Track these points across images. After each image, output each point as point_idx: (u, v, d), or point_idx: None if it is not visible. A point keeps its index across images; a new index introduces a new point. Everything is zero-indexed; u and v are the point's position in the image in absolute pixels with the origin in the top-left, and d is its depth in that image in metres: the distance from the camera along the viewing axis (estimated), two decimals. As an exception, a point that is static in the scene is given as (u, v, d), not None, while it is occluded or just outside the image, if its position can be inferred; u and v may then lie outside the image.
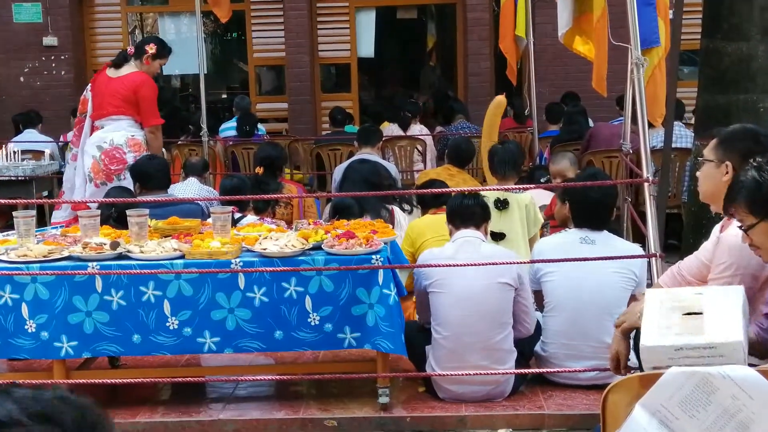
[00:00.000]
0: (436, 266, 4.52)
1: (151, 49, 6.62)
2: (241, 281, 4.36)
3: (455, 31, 12.27)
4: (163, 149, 7.45)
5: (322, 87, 12.32)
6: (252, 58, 12.16)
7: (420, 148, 9.50)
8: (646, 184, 4.57)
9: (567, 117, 9.31)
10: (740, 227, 3.04)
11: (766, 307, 3.10)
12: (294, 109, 11.88)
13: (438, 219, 5.38)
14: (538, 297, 4.73)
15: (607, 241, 4.63)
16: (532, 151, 8.99)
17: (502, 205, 5.61)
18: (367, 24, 12.04)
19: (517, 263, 4.59)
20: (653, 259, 4.41)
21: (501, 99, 7.46)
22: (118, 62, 6.71)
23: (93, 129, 6.68)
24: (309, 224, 4.89)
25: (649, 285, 4.44)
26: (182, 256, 4.40)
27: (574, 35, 6.79)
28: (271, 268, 4.30)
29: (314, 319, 4.39)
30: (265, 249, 4.38)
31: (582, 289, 4.55)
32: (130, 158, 6.42)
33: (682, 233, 6.83)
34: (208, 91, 9.18)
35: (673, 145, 7.28)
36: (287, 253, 4.35)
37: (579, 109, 9.49)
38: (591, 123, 9.35)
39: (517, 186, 5.88)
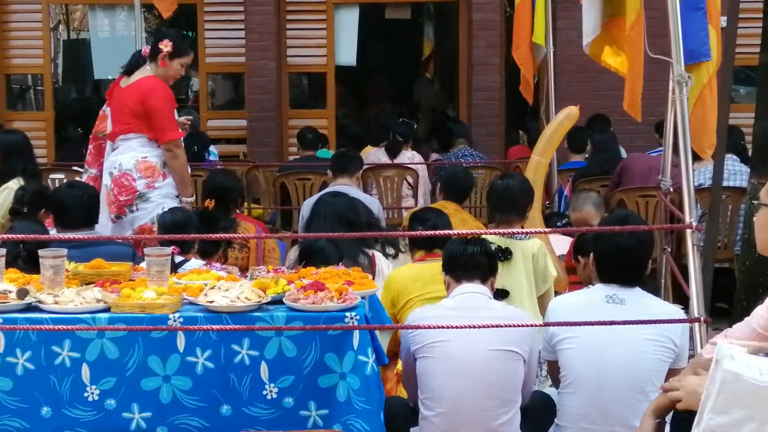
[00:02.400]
0: (427, 327, 4.51)
1: (165, 46, 6.62)
2: (181, 342, 4.33)
3: (457, 35, 12.37)
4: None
5: (291, 102, 12.37)
6: (203, 64, 12.20)
7: (411, 179, 9.54)
8: (689, 231, 4.61)
9: (594, 146, 9.38)
10: None
11: None
12: (255, 128, 11.90)
13: (427, 270, 5.38)
14: (554, 369, 4.73)
15: (639, 301, 4.63)
16: (550, 188, 9.04)
17: (503, 254, 5.62)
18: (348, 25, 12.11)
19: (532, 326, 4.59)
20: (696, 324, 4.43)
21: (574, 111, 7.47)
22: (130, 67, 6.74)
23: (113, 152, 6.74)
24: (268, 272, 4.89)
25: (692, 356, 4.45)
26: (107, 309, 4.37)
27: (602, 45, 6.86)
28: (218, 326, 4.28)
29: (271, 391, 4.36)
30: (211, 302, 4.36)
31: (607, 360, 4.54)
32: (141, 185, 6.50)
33: (734, 294, 6.87)
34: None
35: (725, 183, 7.36)
36: (239, 307, 4.32)
37: (609, 135, 9.57)
38: (624, 153, 9.42)
39: (526, 230, 5.88)
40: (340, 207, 6.05)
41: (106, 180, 6.64)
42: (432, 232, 5.25)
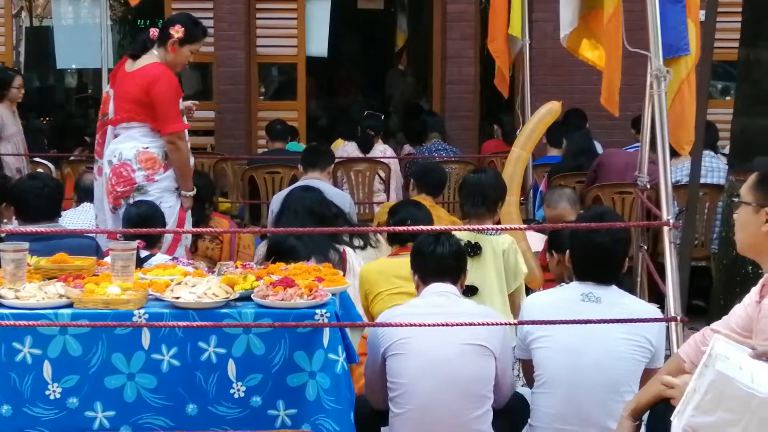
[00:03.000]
0: (398, 325, 4.52)
1: (177, 32, 6.41)
2: (146, 339, 4.31)
3: (431, 27, 12.38)
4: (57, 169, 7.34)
5: (260, 93, 12.34)
6: (171, 53, 12.14)
7: (382, 173, 9.54)
8: (665, 229, 4.62)
9: (570, 141, 9.41)
10: None
11: None
12: (223, 119, 11.87)
13: (399, 264, 5.39)
14: (528, 368, 4.74)
15: (615, 300, 4.64)
16: (525, 183, 9.05)
17: (473, 250, 5.63)
18: (319, 15, 12.09)
19: (505, 324, 4.60)
20: (673, 323, 4.45)
21: (556, 106, 7.50)
22: (136, 51, 6.58)
23: (115, 138, 6.61)
24: (236, 268, 4.87)
25: (668, 356, 4.47)
26: (70, 305, 4.35)
27: (580, 38, 6.88)
28: (184, 323, 4.26)
29: (239, 390, 4.35)
30: (178, 298, 4.34)
31: (582, 360, 4.55)
32: (140, 177, 6.36)
33: (711, 292, 6.91)
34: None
35: (703, 180, 7.41)
36: (206, 304, 4.31)
37: (584, 131, 9.60)
38: (599, 149, 9.45)
39: (499, 227, 5.89)
40: (311, 201, 6.03)
41: (106, 168, 6.50)
42: (402, 228, 5.24)
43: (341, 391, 4.34)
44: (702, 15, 5.89)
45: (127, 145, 6.42)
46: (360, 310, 5.52)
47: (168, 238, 6.26)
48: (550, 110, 7.50)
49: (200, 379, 4.34)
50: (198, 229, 6.45)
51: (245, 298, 4.42)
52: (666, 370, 3.86)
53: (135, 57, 6.54)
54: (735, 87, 6.84)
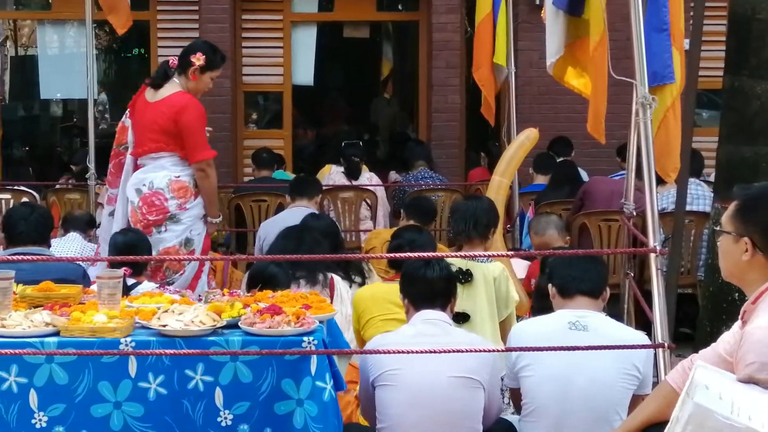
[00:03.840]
0: (386, 352, 4.51)
1: (198, 60, 6.49)
2: (132, 367, 4.31)
3: (417, 55, 12.43)
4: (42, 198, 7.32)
5: (246, 121, 12.36)
6: (157, 82, 12.15)
7: (369, 201, 9.56)
8: (652, 256, 4.64)
9: (556, 168, 9.45)
10: None
11: None
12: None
13: (390, 289, 5.39)
14: (517, 396, 4.74)
15: (602, 328, 4.63)
16: (511, 211, 9.08)
17: (464, 277, 5.63)
18: (305, 43, 12.13)
19: (492, 351, 4.60)
20: (660, 350, 4.46)
21: (534, 132, 7.54)
22: (158, 80, 6.61)
23: (136, 167, 6.64)
24: (223, 295, 4.87)
25: (655, 383, 4.48)
26: (56, 333, 4.34)
27: (565, 66, 6.92)
28: (171, 351, 4.26)
29: (226, 418, 4.35)
30: (164, 326, 4.34)
31: (570, 388, 4.54)
32: (173, 206, 6.42)
33: (697, 319, 6.92)
34: (98, 122, 9.17)
35: (689, 208, 7.43)
36: (193, 331, 4.31)
37: (569, 159, 9.65)
38: (585, 177, 9.49)
39: (489, 254, 5.91)
40: (325, 226, 6.06)
41: (132, 196, 6.52)
42: (394, 255, 5.26)
43: (329, 418, 4.34)
44: (687, 44, 5.94)
45: (158, 174, 6.46)
46: (348, 336, 5.52)
47: (192, 268, 6.39)
48: (528, 137, 7.56)
49: (187, 407, 4.33)
50: (195, 257, 6.46)
51: (232, 325, 4.43)
52: (654, 397, 3.87)
53: (156, 86, 6.58)
54: (720, 115, 6.88)
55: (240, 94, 12.07)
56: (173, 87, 6.53)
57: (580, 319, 4.61)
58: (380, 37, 15.29)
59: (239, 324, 4.41)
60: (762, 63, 6.34)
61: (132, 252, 5.69)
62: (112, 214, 6.80)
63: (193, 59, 6.48)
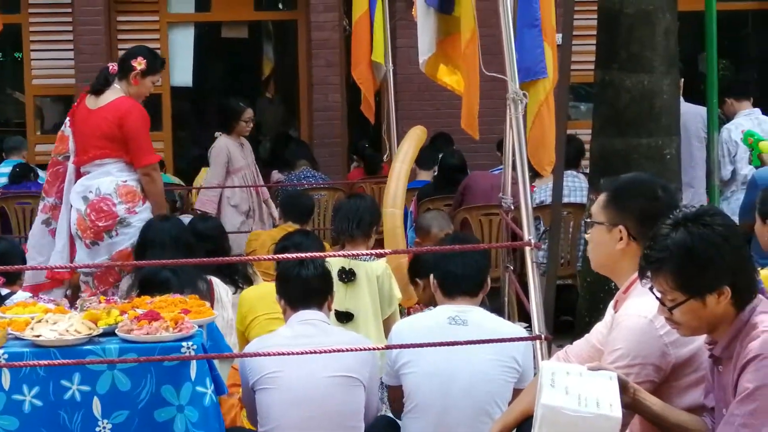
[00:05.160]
0: (265, 355, 4.50)
1: (139, 64, 6.54)
2: (6, 379, 4.23)
3: (297, 54, 12.41)
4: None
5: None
6: (30, 86, 11.95)
7: (251, 202, 9.49)
8: (527, 249, 4.70)
9: (443, 161, 9.51)
10: (659, 299, 3.15)
11: (709, 401, 3.24)
12: (87, 152, 11.67)
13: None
14: (395, 394, 4.75)
15: (481, 322, 4.67)
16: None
17: (347, 276, 5.64)
18: (183, 44, 12.03)
19: (371, 349, 4.61)
20: (537, 342, 4.52)
21: (422, 129, 7.64)
22: (98, 87, 6.59)
23: (78, 175, 6.60)
24: (100, 302, 4.80)
25: (536, 374, 4.54)
26: (-77, 347, 4.25)
27: (438, 63, 6.98)
28: (46, 362, 4.19)
29: (105, 427, 4.29)
30: (38, 336, 4.27)
31: (451, 383, 4.57)
32: (122, 210, 6.42)
33: (576, 310, 7.04)
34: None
35: (566, 200, 7.56)
36: (69, 341, 4.25)
37: (455, 150, 9.74)
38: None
39: (370, 251, 5.92)
40: (174, 230, 5.95)
41: (78, 204, 6.49)
42: (275, 256, 5.23)
43: (210, 423, 4.32)
44: (558, 38, 6.03)
45: (104, 180, 6.47)
46: (232, 340, 5.49)
47: None
48: (422, 133, 7.62)
49: (64, 418, 4.28)
50: (70, 265, 6.39)
51: (109, 333, 4.38)
52: (529, 389, 3.92)
53: (97, 93, 6.57)
54: (593, 108, 7.01)
55: (117, 96, 11.89)
56: (115, 92, 6.56)
57: (460, 314, 4.66)
58: (260, 36, 15.22)
59: (116, 331, 4.36)
60: (631, 57, 6.47)
61: (4, 261, 5.56)
62: (45, 222, 6.81)
63: (134, 63, 6.55)
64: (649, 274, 3.15)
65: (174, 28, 11.99)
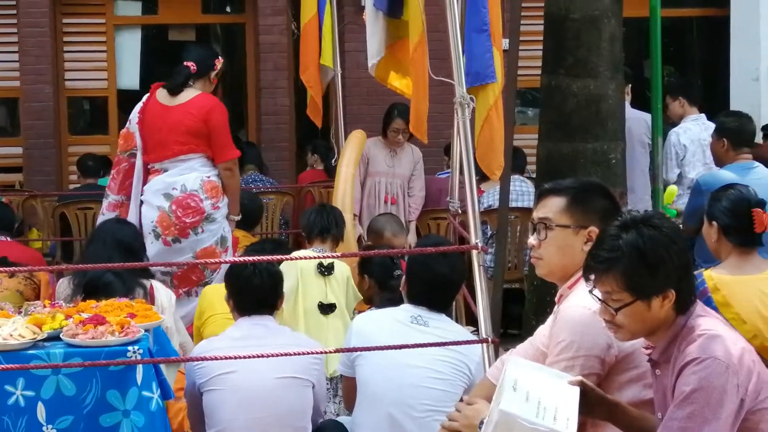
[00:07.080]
0: (213, 359, 4.50)
1: (220, 63, 6.74)
2: (-52, 385, 4.19)
3: (245, 58, 12.38)
4: None
5: (70, 127, 12.09)
6: (-27, 89, 11.83)
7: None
8: (474, 252, 4.72)
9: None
10: (602, 300, 3.17)
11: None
12: (31, 155, 11.58)
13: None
14: (349, 386, 4.76)
15: (442, 326, 4.71)
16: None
17: (327, 270, 5.72)
18: (130, 47, 11.97)
19: (320, 353, 4.63)
20: (484, 345, 4.54)
21: (362, 133, 7.74)
22: (179, 85, 6.62)
23: (149, 173, 6.61)
24: (44, 307, 4.77)
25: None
26: None
27: (388, 67, 7.01)
28: (-11, 367, 4.16)
29: (50, 433, 4.26)
30: (-19, 341, 4.24)
31: (404, 377, 4.58)
32: (208, 206, 6.45)
33: (523, 313, 7.09)
34: None
35: (513, 204, 7.62)
36: (12, 345, 4.22)
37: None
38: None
39: (333, 255, 5.96)
40: (122, 234, 5.89)
41: (160, 202, 6.48)
42: (231, 260, 5.25)
43: (157, 428, 4.32)
44: (506, 43, 6.08)
45: (189, 176, 6.51)
46: (176, 343, 5.46)
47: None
48: (362, 137, 7.65)
49: (8, 423, 4.25)
50: (29, 268, 6.29)
51: (54, 337, 4.35)
52: (475, 393, 3.93)
53: (175, 91, 6.61)
54: (539, 113, 7.06)
55: (63, 99, 11.83)
56: (193, 90, 6.63)
57: (423, 315, 4.70)
58: (207, 39, 15.14)
59: (61, 336, 4.34)
60: (577, 62, 6.52)
61: None
62: None
63: (216, 62, 6.73)
64: (593, 276, 3.17)
65: (120, 31, 11.92)
